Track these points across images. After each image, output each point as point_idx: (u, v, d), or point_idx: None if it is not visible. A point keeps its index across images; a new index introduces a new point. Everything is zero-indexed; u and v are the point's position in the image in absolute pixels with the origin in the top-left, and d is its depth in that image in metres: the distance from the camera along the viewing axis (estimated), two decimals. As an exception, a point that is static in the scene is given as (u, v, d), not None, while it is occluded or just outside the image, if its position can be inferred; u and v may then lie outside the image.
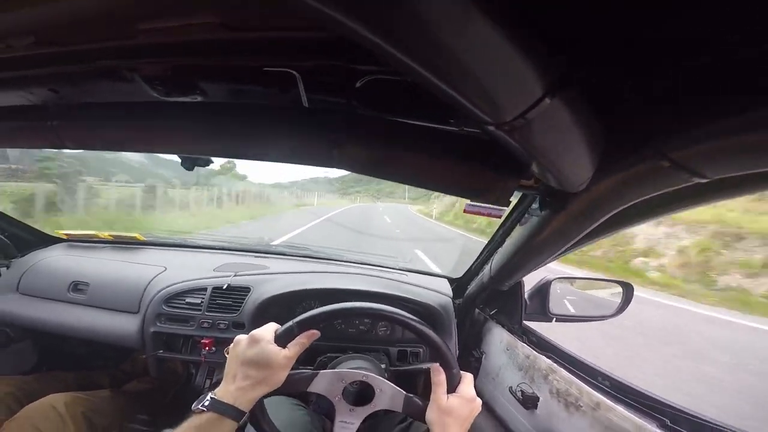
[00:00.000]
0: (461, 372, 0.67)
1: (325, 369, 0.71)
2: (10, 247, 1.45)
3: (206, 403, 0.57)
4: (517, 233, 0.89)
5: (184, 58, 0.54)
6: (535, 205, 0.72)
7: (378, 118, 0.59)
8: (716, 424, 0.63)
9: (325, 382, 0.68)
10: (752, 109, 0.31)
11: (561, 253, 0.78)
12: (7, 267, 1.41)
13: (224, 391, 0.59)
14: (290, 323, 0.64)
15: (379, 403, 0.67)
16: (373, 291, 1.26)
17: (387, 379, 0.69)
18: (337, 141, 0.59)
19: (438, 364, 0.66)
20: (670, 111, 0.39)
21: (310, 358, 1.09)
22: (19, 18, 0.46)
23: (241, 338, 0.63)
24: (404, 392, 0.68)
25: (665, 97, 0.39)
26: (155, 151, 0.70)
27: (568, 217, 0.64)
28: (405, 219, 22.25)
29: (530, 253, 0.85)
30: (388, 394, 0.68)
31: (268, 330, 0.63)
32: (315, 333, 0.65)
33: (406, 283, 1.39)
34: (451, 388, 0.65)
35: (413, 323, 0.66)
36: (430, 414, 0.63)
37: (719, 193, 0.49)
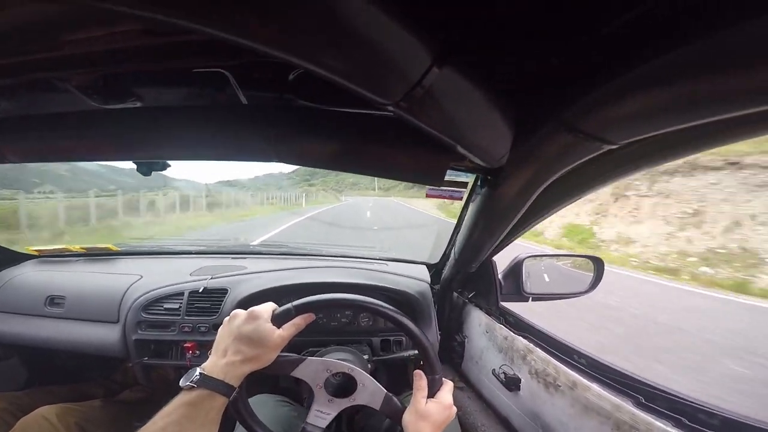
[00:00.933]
0: (443, 379, 0.68)
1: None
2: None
3: (195, 379, 0.55)
4: (470, 213, 0.90)
5: (113, 65, 0.54)
6: (479, 184, 0.73)
7: (315, 110, 0.59)
8: (689, 400, 0.64)
9: (310, 368, 0.68)
10: (628, 72, 0.34)
11: (511, 232, 0.78)
12: None
13: (213, 366, 0.58)
14: (288, 305, 0.65)
15: (359, 398, 0.67)
16: (352, 282, 1.26)
17: (371, 370, 0.69)
18: (274, 135, 0.59)
19: (421, 370, 0.68)
20: (568, 83, 0.41)
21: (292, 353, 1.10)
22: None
23: (239, 313, 0.63)
24: (385, 391, 0.68)
25: (562, 71, 0.40)
26: (101, 159, 0.69)
27: (504, 193, 0.65)
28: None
29: (484, 232, 0.86)
30: (369, 390, 0.68)
31: (267, 309, 0.64)
32: (311, 316, 0.66)
33: (384, 272, 1.39)
34: (431, 393, 0.66)
35: (414, 331, 0.67)
36: (407, 416, 0.64)
37: (637, 162, 0.51)
